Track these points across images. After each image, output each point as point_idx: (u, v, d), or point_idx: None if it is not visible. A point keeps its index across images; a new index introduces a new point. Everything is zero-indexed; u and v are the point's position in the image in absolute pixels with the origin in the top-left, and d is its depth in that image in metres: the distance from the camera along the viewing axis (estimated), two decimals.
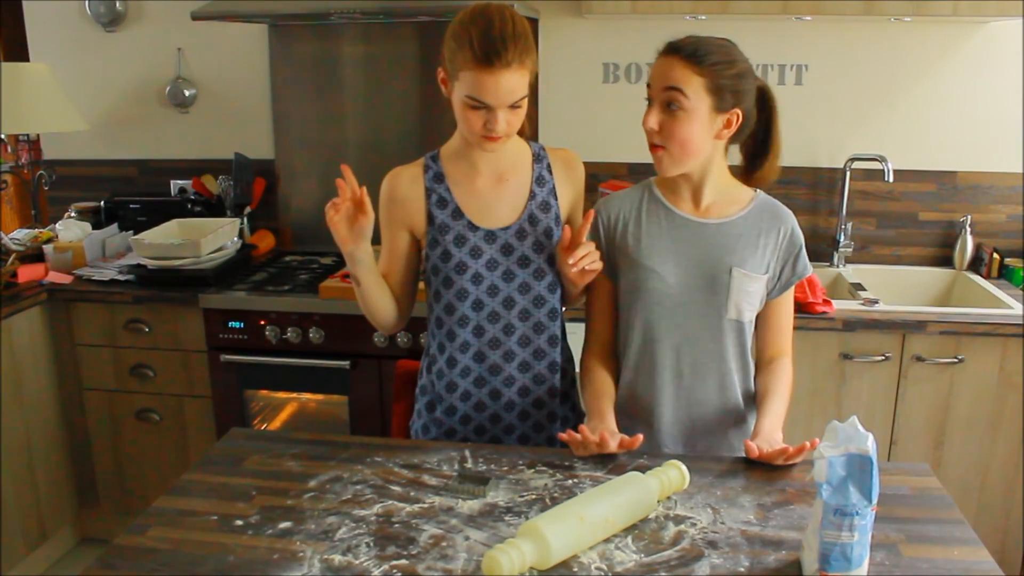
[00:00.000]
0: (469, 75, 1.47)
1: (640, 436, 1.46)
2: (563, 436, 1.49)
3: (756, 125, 1.57)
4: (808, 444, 1.38)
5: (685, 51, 1.48)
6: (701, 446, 1.64)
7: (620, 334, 1.68)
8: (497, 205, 1.65)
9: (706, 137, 1.51)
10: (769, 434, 1.50)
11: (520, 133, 1.66)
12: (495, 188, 1.66)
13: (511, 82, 1.47)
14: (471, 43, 1.46)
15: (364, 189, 1.51)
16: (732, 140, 1.57)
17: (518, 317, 1.66)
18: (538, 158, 1.69)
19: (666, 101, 1.49)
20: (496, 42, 1.45)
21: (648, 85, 1.54)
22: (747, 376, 1.65)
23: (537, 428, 1.72)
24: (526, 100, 1.53)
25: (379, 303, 1.67)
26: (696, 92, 1.47)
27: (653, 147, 1.53)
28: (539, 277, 1.66)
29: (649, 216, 1.62)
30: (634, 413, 1.65)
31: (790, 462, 1.44)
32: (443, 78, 1.57)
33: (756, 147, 1.61)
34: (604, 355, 1.69)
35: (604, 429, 1.49)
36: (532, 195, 1.66)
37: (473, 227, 1.64)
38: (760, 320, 1.65)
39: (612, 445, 1.46)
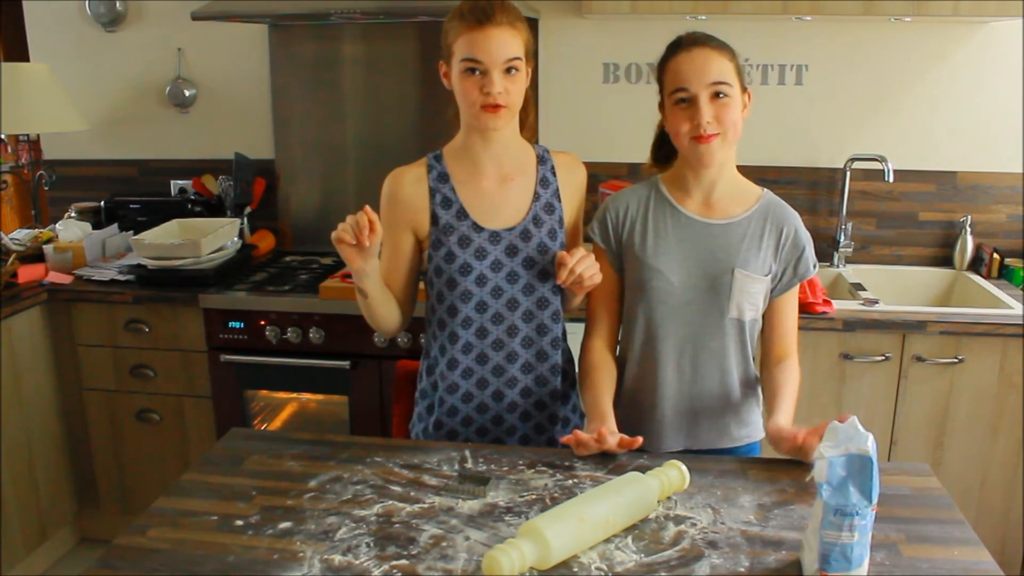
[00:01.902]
0: (462, 40, 1.52)
1: (640, 438, 1.46)
2: (564, 439, 1.50)
3: None
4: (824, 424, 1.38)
5: (711, 41, 1.54)
6: (703, 437, 1.66)
7: (623, 328, 1.68)
8: (502, 206, 1.65)
9: (741, 118, 1.56)
10: None
11: (526, 137, 1.67)
12: (500, 189, 1.65)
13: (503, 38, 1.51)
14: (462, 14, 1.53)
15: (368, 208, 1.49)
16: None
17: (522, 319, 1.66)
18: (542, 160, 1.69)
19: (715, 93, 1.52)
20: (485, 5, 1.52)
21: (681, 89, 1.52)
22: (747, 367, 1.66)
23: (538, 430, 1.72)
24: (523, 73, 1.56)
25: (385, 312, 1.66)
26: (733, 77, 1.53)
27: (702, 138, 1.52)
28: (543, 279, 1.65)
29: (656, 214, 1.63)
30: (637, 407, 1.66)
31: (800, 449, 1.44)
32: (445, 71, 1.59)
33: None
34: (607, 347, 1.68)
35: (603, 428, 1.49)
36: (536, 196, 1.66)
37: (478, 228, 1.63)
38: (764, 319, 1.65)
39: (611, 442, 1.45)
